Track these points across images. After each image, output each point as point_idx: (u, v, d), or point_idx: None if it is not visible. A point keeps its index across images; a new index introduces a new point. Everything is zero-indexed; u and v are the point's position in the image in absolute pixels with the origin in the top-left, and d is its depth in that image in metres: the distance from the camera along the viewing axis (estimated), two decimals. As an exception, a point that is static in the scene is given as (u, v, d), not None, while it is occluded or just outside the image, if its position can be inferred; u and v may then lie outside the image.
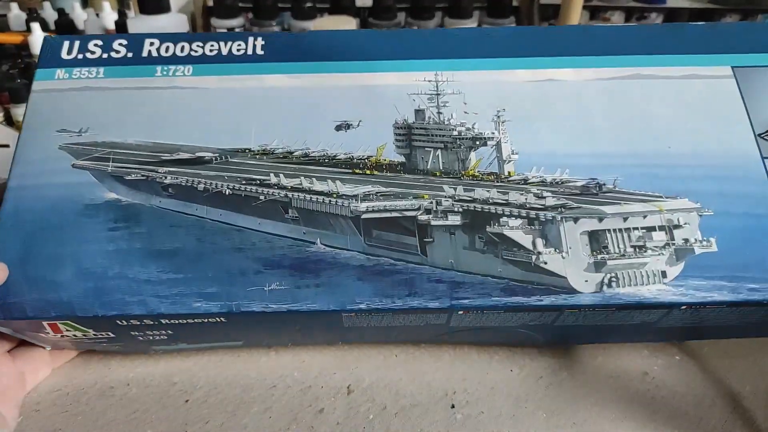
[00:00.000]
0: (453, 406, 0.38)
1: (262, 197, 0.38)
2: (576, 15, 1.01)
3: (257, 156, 0.39)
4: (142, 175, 0.39)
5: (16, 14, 1.17)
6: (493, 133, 0.38)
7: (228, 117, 0.40)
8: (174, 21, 0.83)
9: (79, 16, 1.17)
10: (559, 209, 0.34)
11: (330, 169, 0.39)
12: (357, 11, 1.38)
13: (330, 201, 0.37)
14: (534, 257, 0.34)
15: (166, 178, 0.39)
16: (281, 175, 0.38)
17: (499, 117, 0.39)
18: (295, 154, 0.39)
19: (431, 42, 0.42)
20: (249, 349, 0.42)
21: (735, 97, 0.40)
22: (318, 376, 0.40)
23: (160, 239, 0.35)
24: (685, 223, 0.35)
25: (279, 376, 0.40)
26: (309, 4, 1.30)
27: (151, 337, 0.36)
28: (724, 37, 0.42)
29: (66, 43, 0.42)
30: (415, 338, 0.41)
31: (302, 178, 0.38)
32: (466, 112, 0.40)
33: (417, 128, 0.39)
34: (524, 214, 0.35)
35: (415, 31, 0.51)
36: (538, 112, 0.39)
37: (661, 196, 0.36)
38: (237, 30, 1.31)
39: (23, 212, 0.36)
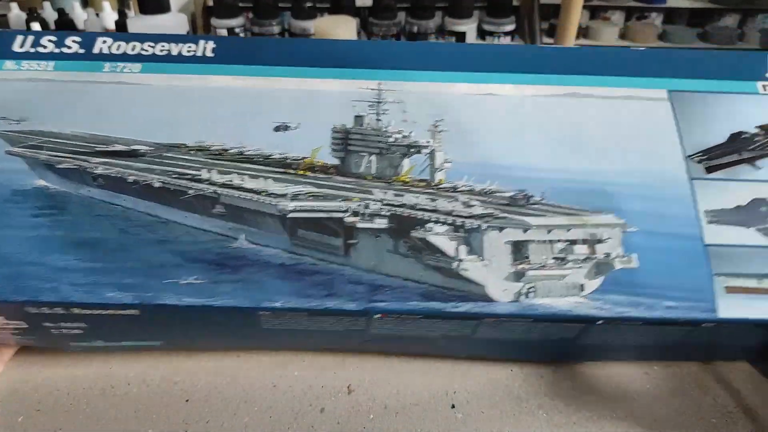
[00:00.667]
0: (453, 406, 0.38)
1: (190, 191, 0.38)
2: (576, 15, 1.01)
3: (192, 152, 0.39)
4: (75, 165, 0.39)
5: (16, 14, 1.17)
6: (428, 141, 0.39)
7: (169, 113, 0.40)
8: (174, 21, 0.83)
9: (79, 16, 1.18)
10: (486, 218, 0.35)
11: (263, 167, 0.39)
12: (357, 11, 1.38)
13: (258, 199, 0.37)
14: (455, 264, 0.34)
15: (97, 168, 0.39)
16: (213, 171, 0.38)
17: (436, 126, 0.39)
18: (229, 151, 0.39)
19: (379, 53, 0.43)
20: (249, 349, 0.42)
21: (669, 119, 0.40)
22: (319, 375, 0.40)
23: (83, 228, 0.35)
24: (608, 238, 0.35)
25: (280, 375, 0.40)
26: (309, 4, 1.30)
27: (65, 330, 0.35)
28: (663, 62, 0.44)
29: (19, 38, 0.42)
30: (337, 345, 0.40)
31: (234, 175, 0.38)
32: (404, 120, 0.40)
33: (354, 133, 0.40)
34: (450, 221, 0.35)
35: (365, 42, 0.52)
36: (475, 124, 0.40)
37: (587, 211, 0.36)
38: (237, 30, 1.31)
39: None
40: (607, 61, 0.44)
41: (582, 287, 0.34)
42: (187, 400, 0.38)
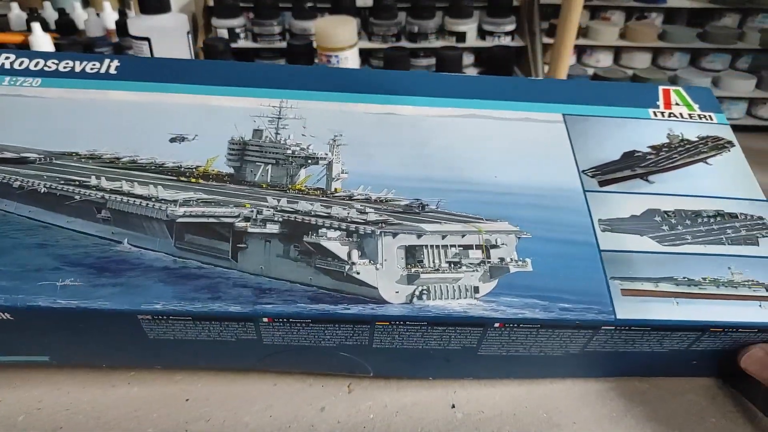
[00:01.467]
0: (453, 406, 0.38)
1: (77, 197, 0.37)
2: (576, 14, 1.01)
3: (83, 160, 0.38)
4: None
5: (16, 14, 1.17)
6: (327, 154, 0.39)
7: (64, 124, 0.40)
8: (174, 21, 0.83)
9: (80, 16, 1.18)
10: (380, 224, 0.35)
11: (155, 175, 0.38)
12: (357, 11, 1.38)
13: (147, 204, 0.36)
14: (347, 267, 0.34)
15: None
16: (102, 178, 0.38)
17: (335, 140, 0.40)
18: (122, 160, 0.38)
19: (281, 75, 0.45)
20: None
21: (563, 138, 0.43)
22: (319, 374, 0.40)
23: None
24: (503, 244, 0.36)
25: (280, 374, 0.40)
26: (309, 4, 1.30)
27: None
28: (557, 90, 0.47)
29: None
30: (235, 363, 0.39)
31: (124, 181, 0.37)
32: (303, 135, 0.41)
33: (252, 145, 0.40)
34: (344, 227, 0.35)
35: (267, 65, 0.52)
36: (374, 139, 0.41)
37: (481, 219, 0.37)
38: (237, 30, 1.31)
39: None
40: (505, 89, 0.47)
41: (476, 289, 0.34)
42: (187, 400, 0.38)
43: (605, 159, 0.42)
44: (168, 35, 0.83)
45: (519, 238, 0.36)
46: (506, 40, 1.40)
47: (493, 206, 0.38)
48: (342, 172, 0.39)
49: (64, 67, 0.43)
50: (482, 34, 1.42)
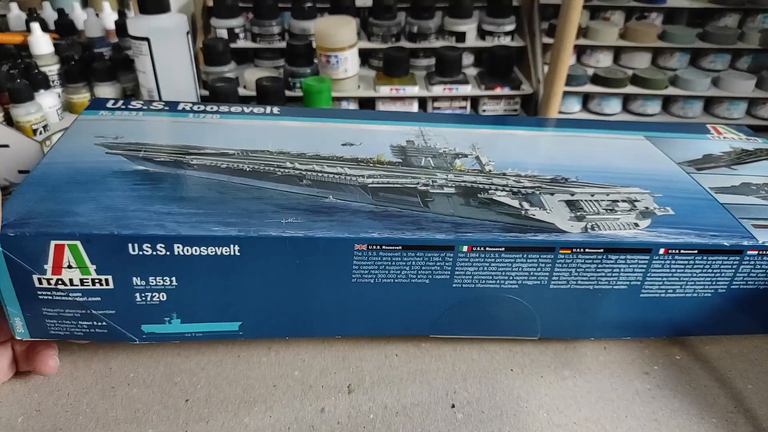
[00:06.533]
0: (453, 406, 0.38)
1: (278, 172, 0.42)
2: (576, 15, 1.01)
3: (275, 154, 0.45)
4: (171, 159, 0.43)
5: (16, 14, 1.17)
6: (472, 152, 0.48)
7: (248, 136, 0.48)
8: (174, 21, 0.83)
9: (79, 16, 1.17)
10: (536, 188, 0.42)
11: (338, 161, 0.45)
12: (357, 11, 1.38)
13: (339, 178, 0.42)
14: (523, 212, 0.39)
15: (192, 160, 0.43)
16: (296, 163, 0.44)
17: (474, 146, 0.48)
18: (308, 154, 0.45)
19: (416, 115, 0.60)
20: (249, 349, 0.42)
21: (652, 148, 0.52)
22: (319, 375, 0.40)
23: (182, 190, 0.39)
24: (643, 200, 0.42)
25: (280, 375, 0.40)
26: (309, 4, 1.30)
27: (149, 296, 0.36)
28: (634, 124, 0.57)
29: (112, 101, 0.52)
30: (412, 326, 0.41)
31: (314, 164, 0.44)
32: (447, 143, 0.49)
33: (409, 148, 0.48)
34: (508, 190, 0.42)
35: (401, 113, 0.64)
36: (504, 147, 0.51)
37: (616, 186, 0.43)
38: (237, 30, 1.31)
39: (50, 175, 0.38)
40: (589, 124, 0.59)
41: (636, 224, 0.39)
42: (186, 400, 0.38)
43: (691, 159, 0.50)
44: (167, 35, 0.83)
45: (653, 196, 0.42)
46: (506, 40, 1.40)
47: (619, 181, 0.44)
48: (489, 162, 0.46)
49: (235, 110, 0.52)
50: (482, 34, 1.42)
